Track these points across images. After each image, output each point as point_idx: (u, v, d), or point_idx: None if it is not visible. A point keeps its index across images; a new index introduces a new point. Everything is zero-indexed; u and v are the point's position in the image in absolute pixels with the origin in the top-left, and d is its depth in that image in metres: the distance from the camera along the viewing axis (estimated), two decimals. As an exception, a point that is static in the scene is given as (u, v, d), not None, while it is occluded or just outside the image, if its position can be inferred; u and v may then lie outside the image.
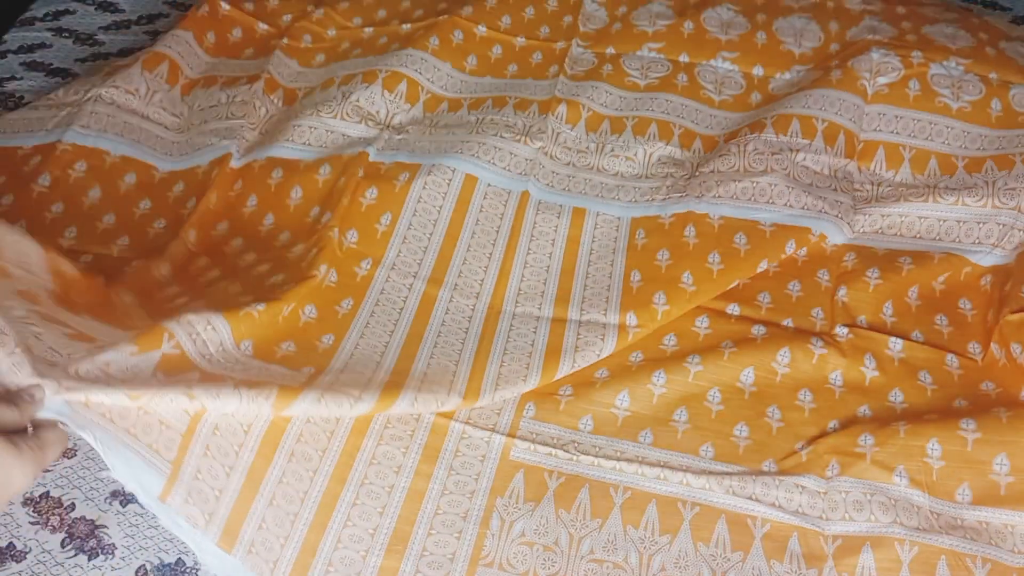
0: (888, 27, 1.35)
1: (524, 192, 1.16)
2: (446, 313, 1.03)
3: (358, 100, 1.25)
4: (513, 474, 0.88)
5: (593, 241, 1.12)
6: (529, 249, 1.11)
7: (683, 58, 1.33)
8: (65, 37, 1.43)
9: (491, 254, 1.10)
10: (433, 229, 1.11)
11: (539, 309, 1.04)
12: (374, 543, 0.83)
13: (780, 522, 0.85)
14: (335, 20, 1.44)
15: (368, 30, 1.42)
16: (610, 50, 1.36)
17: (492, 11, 1.41)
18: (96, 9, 1.50)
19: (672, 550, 0.83)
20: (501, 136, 1.20)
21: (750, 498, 0.86)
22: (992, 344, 0.99)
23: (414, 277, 1.06)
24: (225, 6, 1.42)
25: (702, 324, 1.01)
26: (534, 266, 1.10)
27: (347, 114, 1.24)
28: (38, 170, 1.17)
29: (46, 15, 1.47)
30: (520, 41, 1.38)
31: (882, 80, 1.23)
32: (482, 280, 1.08)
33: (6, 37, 1.43)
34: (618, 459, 0.89)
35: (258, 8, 1.45)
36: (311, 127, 1.23)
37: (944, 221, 1.11)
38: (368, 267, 1.06)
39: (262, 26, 1.43)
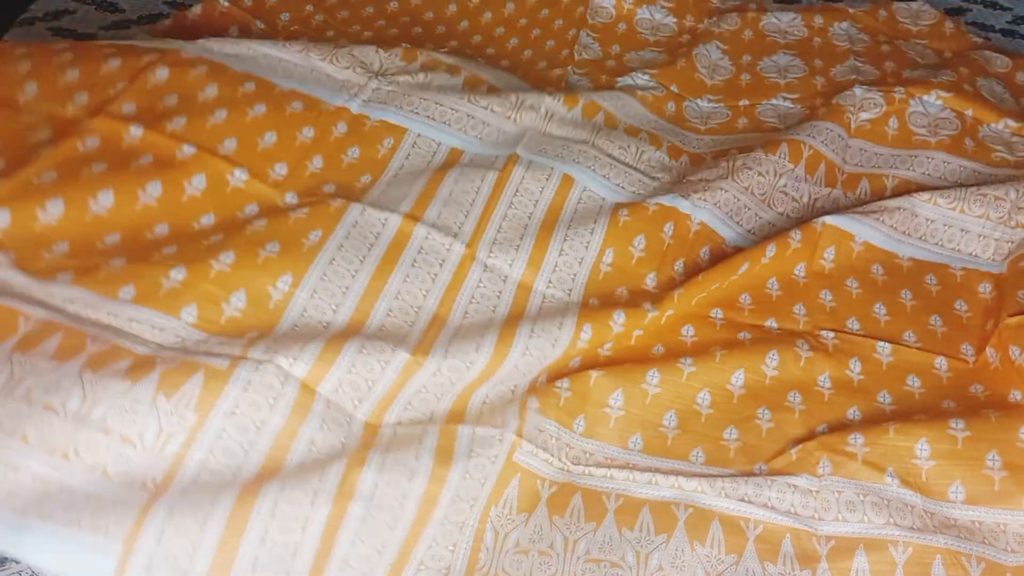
0: (871, 69, 1.40)
1: (512, 154, 1.16)
2: (419, 252, 1.02)
3: (351, 51, 1.24)
4: (510, 479, 0.87)
5: (575, 213, 1.12)
6: (511, 203, 1.11)
7: (674, 88, 1.37)
8: (65, 37, 1.43)
9: (473, 200, 1.10)
10: (414, 182, 1.10)
11: (510, 267, 1.04)
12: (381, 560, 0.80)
13: (773, 523, 0.85)
14: (333, 27, 1.47)
15: (367, 35, 1.45)
16: (604, 77, 1.39)
17: (492, 58, 1.45)
18: (96, 9, 1.49)
19: (669, 548, 0.83)
20: (492, 110, 1.21)
21: (742, 499, 0.87)
22: (988, 348, 1.01)
23: (391, 212, 1.04)
24: (224, 3, 1.43)
25: (688, 333, 1.03)
26: (513, 220, 1.09)
27: (337, 59, 1.23)
28: None
29: (46, 15, 1.46)
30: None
31: (864, 116, 1.28)
32: (461, 223, 1.07)
33: (6, 37, 1.42)
34: (608, 466, 0.89)
35: (256, 5, 1.46)
36: (296, 64, 1.21)
37: (931, 221, 1.15)
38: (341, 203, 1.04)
39: (259, 24, 1.44)
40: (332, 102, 1.18)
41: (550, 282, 1.04)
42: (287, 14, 1.47)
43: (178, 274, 0.90)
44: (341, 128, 1.15)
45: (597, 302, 1.04)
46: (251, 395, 0.82)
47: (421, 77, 1.25)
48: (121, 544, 0.73)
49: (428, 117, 1.19)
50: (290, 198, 1.05)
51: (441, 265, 1.01)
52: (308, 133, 1.13)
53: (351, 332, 0.92)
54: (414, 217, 1.05)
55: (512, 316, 1.00)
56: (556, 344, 0.97)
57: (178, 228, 0.99)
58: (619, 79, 1.36)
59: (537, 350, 0.96)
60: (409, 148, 1.15)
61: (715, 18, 1.52)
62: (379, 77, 1.24)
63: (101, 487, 0.75)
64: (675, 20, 1.54)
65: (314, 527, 0.79)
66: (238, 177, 1.05)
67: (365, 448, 0.85)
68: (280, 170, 1.09)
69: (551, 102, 1.25)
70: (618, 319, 1.00)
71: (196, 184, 1.02)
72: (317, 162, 1.11)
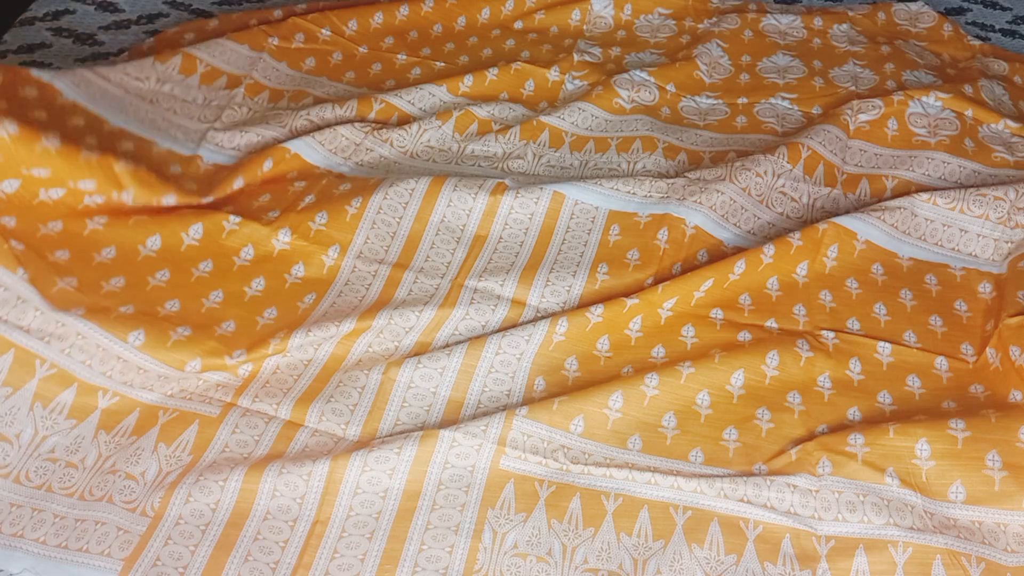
0: (870, 74, 1.40)
1: (499, 182, 1.17)
2: (408, 293, 1.06)
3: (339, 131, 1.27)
4: (503, 484, 0.88)
5: (567, 231, 1.14)
6: (500, 237, 1.13)
7: (671, 87, 1.37)
8: (65, 37, 1.42)
9: (459, 238, 1.12)
10: (403, 212, 1.13)
11: (501, 287, 1.06)
12: (364, 567, 0.82)
13: (772, 523, 0.85)
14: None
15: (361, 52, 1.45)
16: (603, 79, 1.39)
17: (488, 60, 1.45)
18: (96, 9, 1.49)
19: (667, 553, 0.83)
20: (479, 165, 1.24)
21: (741, 500, 0.86)
22: (988, 348, 1.01)
23: (379, 263, 1.09)
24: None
25: (688, 333, 1.03)
26: (503, 252, 1.11)
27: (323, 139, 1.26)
28: None
29: (46, 15, 1.46)
30: (516, 65, 1.41)
31: (863, 117, 1.28)
32: (448, 263, 1.10)
33: (6, 37, 1.41)
34: (608, 465, 0.89)
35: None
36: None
37: (931, 221, 1.15)
38: (336, 255, 1.09)
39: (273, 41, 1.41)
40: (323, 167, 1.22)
41: (543, 296, 1.06)
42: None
43: (184, 331, 0.97)
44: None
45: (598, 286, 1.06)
46: (239, 435, 0.92)
47: (414, 129, 1.27)
48: (121, 563, 0.82)
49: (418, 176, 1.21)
50: (283, 235, 1.10)
51: (426, 303, 1.04)
52: (300, 185, 1.18)
53: (332, 368, 0.98)
54: (402, 265, 1.09)
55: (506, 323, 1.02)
56: (531, 339, 0.99)
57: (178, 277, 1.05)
58: (615, 77, 1.36)
59: (512, 348, 0.99)
60: (389, 187, 1.15)
61: (715, 19, 1.53)
62: (374, 134, 1.25)
63: (107, 513, 0.85)
64: (675, 22, 1.54)
65: (292, 548, 0.84)
66: (232, 221, 1.10)
67: (344, 456, 0.89)
68: (272, 215, 1.13)
69: (536, 148, 1.27)
70: (596, 310, 1.01)
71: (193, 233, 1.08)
72: (309, 199, 1.15)
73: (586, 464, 0.89)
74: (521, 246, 1.12)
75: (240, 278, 1.05)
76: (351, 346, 0.99)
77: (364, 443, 0.90)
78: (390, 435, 0.91)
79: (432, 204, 1.13)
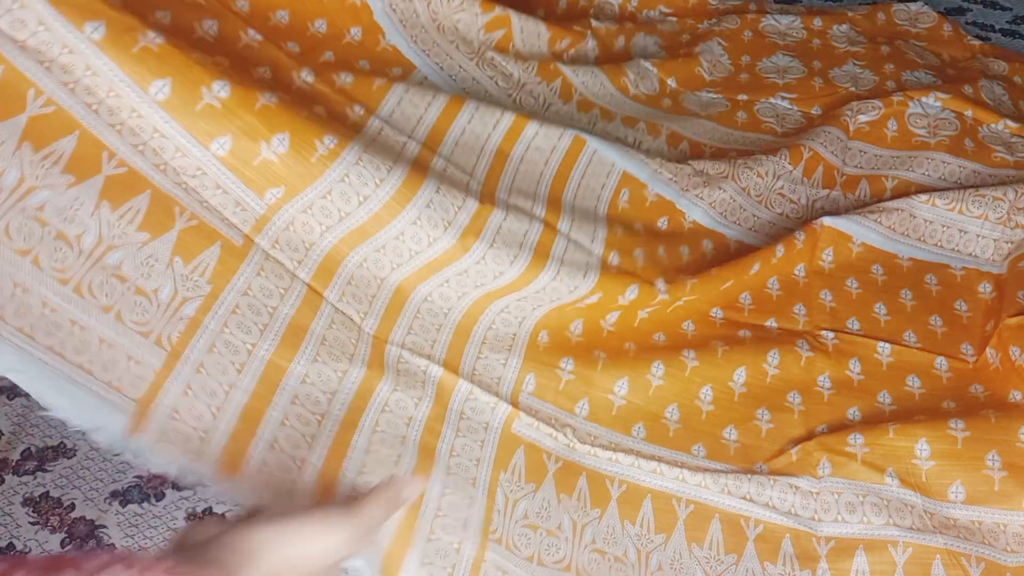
0: (870, 74, 1.40)
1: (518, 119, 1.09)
2: (441, 177, 0.95)
3: None
4: (514, 449, 0.87)
5: (583, 176, 1.10)
6: (523, 158, 1.07)
7: (671, 82, 1.37)
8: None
9: (483, 148, 1.04)
10: (432, 101, 1.03)
11: (532, 207, 1.01)
12: None
13: (773, 523, 0.86)
14: None
15: None
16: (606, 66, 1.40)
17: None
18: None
19: (667, 550, 0.83)
20: (497, 83, 1.18)
21: (744, 498, 0.87)
22: (988, 349, 1.01)
23: (408, 138, 0.98)
24: None
25: (688, 328, 1.03)
26: (525, 174, 1.06)
27: None
28: None
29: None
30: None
31: (863, 118, 1.28)
32: (473, 166, 1.02)
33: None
34: (614, 450, 0.89)
35: None
36: None
37: (930, 222, 1.16)
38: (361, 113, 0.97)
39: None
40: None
41: (571, 227, 1.01)
42: None
43: (221, 90, 0.79)
44: (355, 33, 1.07)
45: (617, 259, 1.02)
46: (263, 280, 0.79)
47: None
48: (134, 404, 0.68)
49: (438, 65, 1.13)
50: (306, 74, 0.95)
51: (459, 209, 0.93)
52: (320, 25, 1.03)
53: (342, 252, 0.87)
54: (430, 148, 0.98)
55: (541, 246, 0.96)
56: (574, 291, 0.96)
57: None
58: (622, 63, 1.36)
59: (557, 290, 0.95)
60: (402, 92, 1.04)
61: (715, 19, 1.53)
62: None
63: (115, 333, 0.69)
64: (676, 20, 1.54)
65: (319, 447, 0.77)
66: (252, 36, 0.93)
67: (377, 366, 0.84)
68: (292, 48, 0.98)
69: (547, 93, 1.23)
70: (630, 294, 0.99)
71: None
72: (329, 55, 1.02)
73: (592, 445, 0.89)
74: (541, 175, 1.07)
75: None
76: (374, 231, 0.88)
77: (380, 342, 0.86)
78: (403, 345, 0.87)
79: (457, 109, 1.04)
